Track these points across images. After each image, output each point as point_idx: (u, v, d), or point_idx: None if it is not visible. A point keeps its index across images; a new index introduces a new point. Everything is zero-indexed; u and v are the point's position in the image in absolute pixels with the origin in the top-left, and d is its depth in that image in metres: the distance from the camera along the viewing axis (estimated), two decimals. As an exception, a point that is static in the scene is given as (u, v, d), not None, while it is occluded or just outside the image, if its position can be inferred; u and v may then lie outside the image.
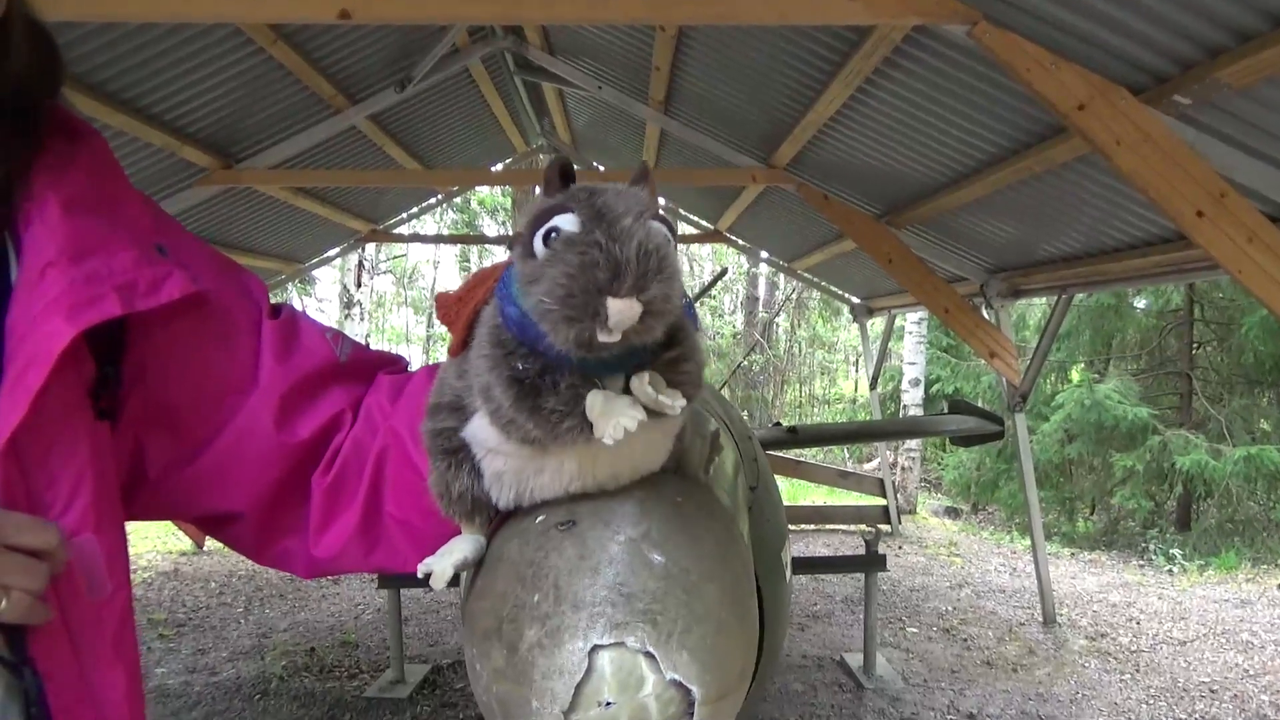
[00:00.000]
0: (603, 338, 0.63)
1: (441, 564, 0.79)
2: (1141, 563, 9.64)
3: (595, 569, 0.69)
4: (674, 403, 0.69)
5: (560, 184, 0.70)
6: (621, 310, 0.62)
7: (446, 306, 0.80)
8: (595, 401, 0.68)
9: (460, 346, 0.78)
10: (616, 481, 0.76)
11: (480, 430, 0.77)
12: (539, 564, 0.71)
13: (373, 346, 1.07)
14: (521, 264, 0.67)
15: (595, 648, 0.65)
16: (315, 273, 15.99)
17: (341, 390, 0.97)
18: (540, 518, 0.77)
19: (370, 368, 1.02)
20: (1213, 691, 5.71)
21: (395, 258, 24.00)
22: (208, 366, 0.90)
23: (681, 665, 0.66)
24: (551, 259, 0.64)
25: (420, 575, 0.79)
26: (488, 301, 0.75)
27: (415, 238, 14.97)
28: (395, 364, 1.06)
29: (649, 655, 0.65)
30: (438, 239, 17.00)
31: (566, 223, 0.65)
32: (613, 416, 0.67)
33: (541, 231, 0.66)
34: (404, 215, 11.26)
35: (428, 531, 0.88)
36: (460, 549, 0.80)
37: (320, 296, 22.15)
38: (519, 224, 0.72)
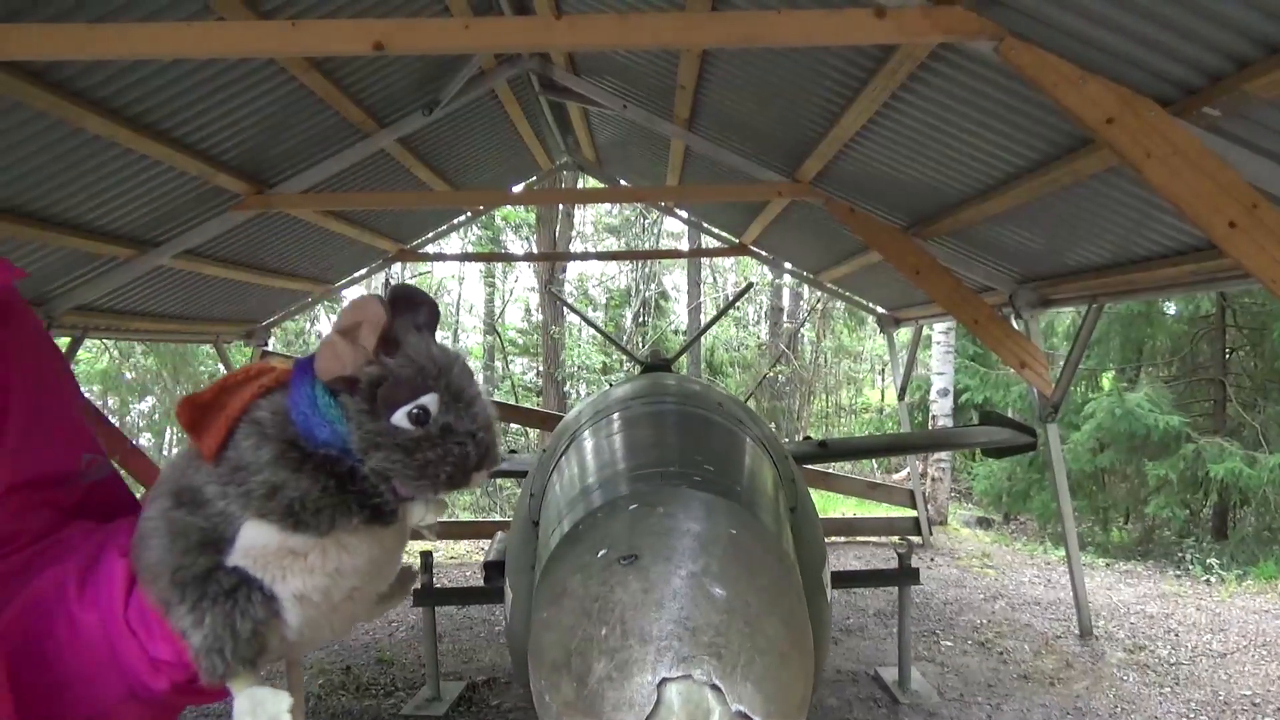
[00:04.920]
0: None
1: None
2: (1178, 573, 9.50)
3: (660, 603, 0.72)
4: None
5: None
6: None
7: (195, 411, 0.73)
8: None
9: (216, 452, 0.72)
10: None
11: (259, 537, 0.73)
12: (605, 598, 0.74)
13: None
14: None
15: (663, 680, 0.68)
16: (343, 292, 16.10)
17: None
18: (602, 552, 0.79)
19: None
20: (1255, 705, 5.63)
21: (420, 274, 24.17)
22: None
23: (746, 696, 0.68)
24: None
25: None
26: (246, 411, 0.73)
27: (441, 256, 15.07)
28: None
29: (715, 687, 0.68)
30: (464, 257, 17.10)
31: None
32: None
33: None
34: (431, 234, 11.39)
35: None
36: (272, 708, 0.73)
37: (348, 315, 22.26)
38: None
